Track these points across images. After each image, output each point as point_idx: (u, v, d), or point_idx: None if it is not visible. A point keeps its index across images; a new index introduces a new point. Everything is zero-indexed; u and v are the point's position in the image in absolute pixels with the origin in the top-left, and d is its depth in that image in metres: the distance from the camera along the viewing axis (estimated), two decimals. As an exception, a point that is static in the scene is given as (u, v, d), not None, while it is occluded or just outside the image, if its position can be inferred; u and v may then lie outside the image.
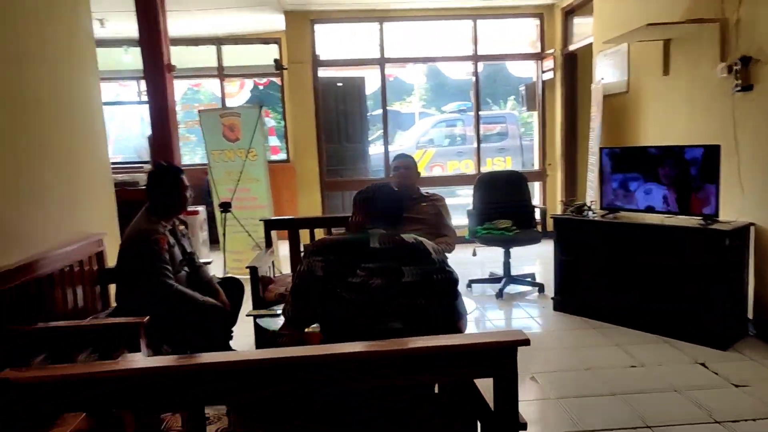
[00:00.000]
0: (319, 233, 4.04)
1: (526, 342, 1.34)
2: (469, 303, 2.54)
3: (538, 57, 6.79)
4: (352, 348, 1.34)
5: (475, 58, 6.78)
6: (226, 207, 5.16)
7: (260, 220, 3.99)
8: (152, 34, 4.83)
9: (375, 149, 7.61)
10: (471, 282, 4.84)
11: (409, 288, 1.73)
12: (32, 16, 2.81)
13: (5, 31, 2.56)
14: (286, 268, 4.56)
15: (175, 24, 6.78)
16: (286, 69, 6.67)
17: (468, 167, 9.16)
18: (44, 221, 2.72)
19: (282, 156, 8.07)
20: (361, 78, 7.08)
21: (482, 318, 4.20)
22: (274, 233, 3.93)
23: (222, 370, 1.26)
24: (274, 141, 8.95)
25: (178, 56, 7.70)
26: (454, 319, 1.88)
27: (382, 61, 6.71)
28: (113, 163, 6.30)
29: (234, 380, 1.26)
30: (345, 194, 7.00)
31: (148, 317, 2.27)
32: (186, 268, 3.00)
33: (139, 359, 1.86)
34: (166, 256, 2.75)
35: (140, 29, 4.85)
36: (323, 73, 6.78)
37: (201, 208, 5.64)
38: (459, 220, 4.73)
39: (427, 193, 3.78)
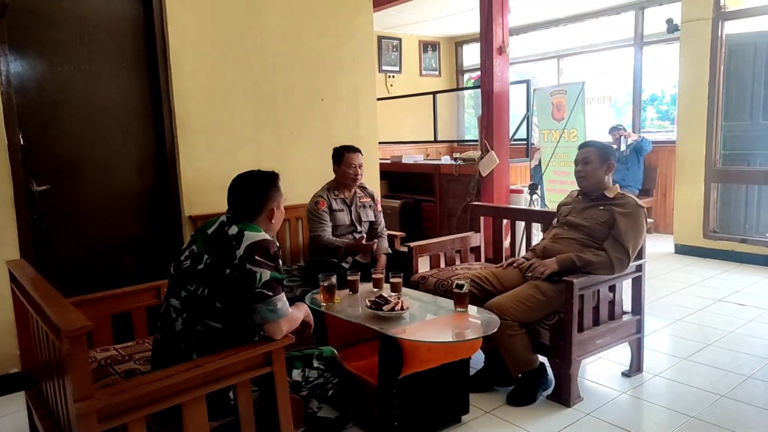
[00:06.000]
0: (520, 226, 3.63)
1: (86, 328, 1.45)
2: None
3: None
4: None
5: None
6: (533, 189, 5.06)
7: (468, 203, 3.95)
8: (487, 23, 5.20)
9: None
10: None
11: (198, 274, 1.86)
12: (336, 33, 4.11)
13: (311, 48, 3.97)
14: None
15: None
16: (678, 31, 5.50)
17: None
18: (295, 182, 3.81)
19: (670, 137, 6.58)
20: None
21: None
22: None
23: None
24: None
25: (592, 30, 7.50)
26: (255, 320, 1.86)
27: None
28: (454, 141, 7.02)
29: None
30: (748, 189, 5.28)
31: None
32: (354, 234, 3.51)
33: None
34: (322, 215, 3.39)
35: (480, 21, 5.31)
36: (733, 28, 5.21)
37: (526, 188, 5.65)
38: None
39: (619, 193, 2.83)
